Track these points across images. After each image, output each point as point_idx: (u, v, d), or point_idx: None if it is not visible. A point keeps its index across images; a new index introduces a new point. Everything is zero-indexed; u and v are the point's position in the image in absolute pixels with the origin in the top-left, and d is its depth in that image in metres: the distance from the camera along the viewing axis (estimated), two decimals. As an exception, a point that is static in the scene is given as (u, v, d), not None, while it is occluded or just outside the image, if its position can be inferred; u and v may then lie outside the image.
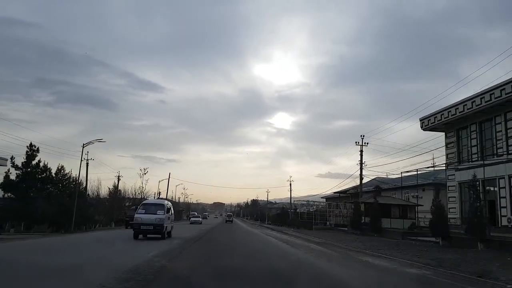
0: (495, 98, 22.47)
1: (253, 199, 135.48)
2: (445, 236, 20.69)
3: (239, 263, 10.94)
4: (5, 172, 34.16)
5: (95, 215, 46.44)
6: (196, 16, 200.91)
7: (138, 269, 8.52)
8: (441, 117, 27.44)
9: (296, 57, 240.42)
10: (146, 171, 58.52)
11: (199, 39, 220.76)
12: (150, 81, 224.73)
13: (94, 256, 11.81)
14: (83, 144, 37.36)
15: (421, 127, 29.94)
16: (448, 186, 28.30)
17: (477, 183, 19.54)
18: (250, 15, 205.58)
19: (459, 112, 25.56)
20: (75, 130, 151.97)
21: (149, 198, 50.52)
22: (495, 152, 24.14)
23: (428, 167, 33.96)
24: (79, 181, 41.17)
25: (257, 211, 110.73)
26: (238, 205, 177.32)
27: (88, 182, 48.08)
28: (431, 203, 22.33)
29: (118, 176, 55.79)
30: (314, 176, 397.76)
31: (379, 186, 43.53)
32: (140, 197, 55.54)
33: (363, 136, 42.31)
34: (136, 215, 19.19)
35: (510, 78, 21.12)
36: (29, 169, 35.22)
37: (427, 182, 40.20)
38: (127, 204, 53.47)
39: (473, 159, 26.03)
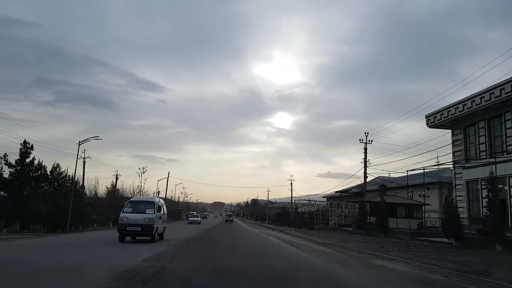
0: (506, 93, 21.68)
1: (253, 199, 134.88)
2: (458, 236, 19.79)
3: (239, 263, 10.70)
4: (-2, 170, 33.48)
5: (93, 215, 45.55)
6: (196, 16, 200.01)
7: (129, 272, 7.70)
8: (448, 114, 26.68)
9: (296, 57, 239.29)
10: (144, 170, 57.28)
11: (199, 39, 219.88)
12: (150, 81, 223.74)
13: (67, 262, 9.38)
14: (79, 142, 36.50)
15: (427, 124, 29.16)
16: (456, 185, 27.53)
17: (495, 179, 18.64)
18: (250, 15, 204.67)
19: (467, 109, 24.81)
20: (75, 130, 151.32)
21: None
22: (504, 149, 23.34)
23: (433, 165, 33.05)
24: (76, 179, 40.38)
25: (257, 211, 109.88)
26: (238, 205, 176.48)
27: (85, 181, 47.48)
28: (437, 202, 21.53)
29: (116, 175, 55.11)
30: (314, 176, 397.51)
31: (384, 185, 42.41)
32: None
33: (367, 133, 41.71)
34: (121, 215, 16.72)
35: (522, 72, 20.27)
36: (22, 167, 34.39)
37: (432, 181, 39.34)
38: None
39: (482, 157, 25.23)
